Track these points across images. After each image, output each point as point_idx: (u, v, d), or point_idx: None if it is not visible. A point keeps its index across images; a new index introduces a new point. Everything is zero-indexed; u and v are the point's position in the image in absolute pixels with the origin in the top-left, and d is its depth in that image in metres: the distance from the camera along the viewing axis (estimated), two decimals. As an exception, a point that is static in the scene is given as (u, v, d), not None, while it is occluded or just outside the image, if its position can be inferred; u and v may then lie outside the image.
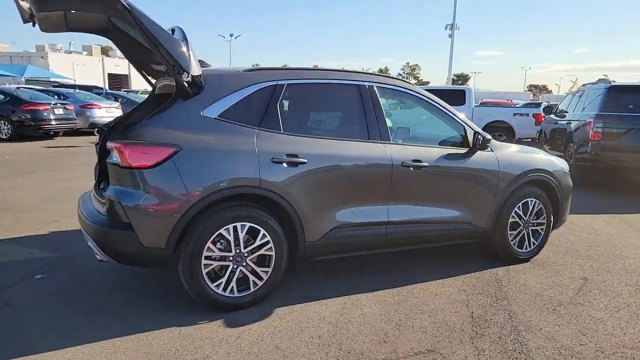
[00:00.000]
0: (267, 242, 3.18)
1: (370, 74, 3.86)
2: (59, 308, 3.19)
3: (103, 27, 3.68)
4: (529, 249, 4.33)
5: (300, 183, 3.23)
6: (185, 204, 2.90)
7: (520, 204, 4.18)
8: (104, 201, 3.13)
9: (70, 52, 55.39)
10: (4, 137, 13.18)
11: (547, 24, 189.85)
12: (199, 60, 3.28)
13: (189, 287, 3.04)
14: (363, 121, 3.56)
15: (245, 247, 3.12)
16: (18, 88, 15.51)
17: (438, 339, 2.91)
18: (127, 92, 26.26)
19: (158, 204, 2.88)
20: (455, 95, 13.49)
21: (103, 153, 3.90)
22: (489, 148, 4.02)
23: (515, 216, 4.18)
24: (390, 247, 3.78)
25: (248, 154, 3.08)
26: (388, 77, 3.90)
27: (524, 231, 4.27)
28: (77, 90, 17.64)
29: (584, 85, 9.72)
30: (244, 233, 3.09)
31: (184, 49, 2.99)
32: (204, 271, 3.02)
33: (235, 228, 3.06)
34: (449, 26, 33.36)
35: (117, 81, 54.42)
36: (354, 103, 3.58)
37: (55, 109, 13.70)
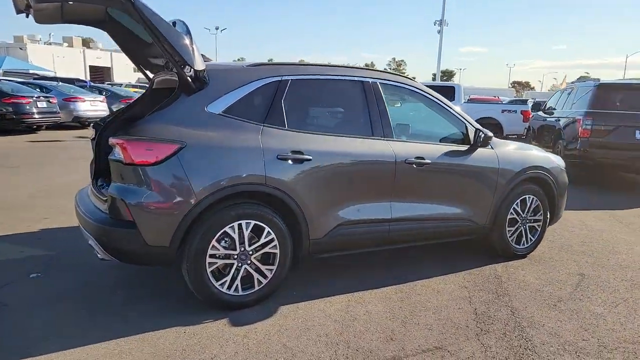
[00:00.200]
0: (272, 240, 3.14)
1: (373, 70, 3.85)
2: (59, 308, 3.11)
3: (99, 18, 3.58)
4: (526, 245, 4.37)
5: (305, 180, 3.20)
6: (191, 201, 2.85)
7: (518, 200, 4.22)
8: (104, 198, 3.06)
9: (50, 44, 54.18)
10: (-15, 131, 12.84)
11: (529, 21, 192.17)
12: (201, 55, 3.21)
13: (193, 286, 3.00)
14: (367, 118, 3.54)
15: (249, 245, 3.08)
16: (-1, 80, 15.12)
17: (444, 336, 2.92)
18: (112, 85, 25.79)
19: (163, 202, 2.82)
20: (444, 92, 13.52)
21: (99, 148, 3.82)
22: (489, 145, 4.04)
23: (513, 213, 4.22)
24: (392, 245, 3.78)
25: (254, 150, 3.04)
26: (392, 73, 3.89)
27: (522, 228, 4.31)
28: (60, 83, 17.22)
29: (572, 82, 9.86)
30: (248, 231, 3.05)
31: (188, 42, 2.92)
32: (209, 270, 2.97)
33: (240, 226, 3.02)
34: (437, 22, 33.45)
35: (99, 74, 53.34)
36: (357, 99, 3.56)
37: (38, 102, 13.36)
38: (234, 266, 3.06)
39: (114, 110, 16.94)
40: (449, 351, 2.75)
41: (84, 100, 15.44)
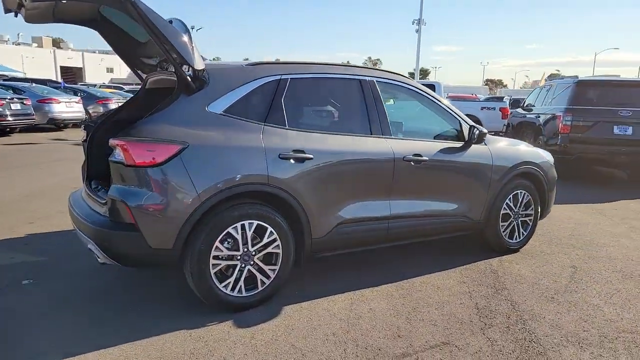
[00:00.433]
0: (274, 240, 3.12)
1: (370, 68, 3.86)
2: (57, 315, 3.01)
3: (91, 18, 3.50)
4: (518, 240, 4.46)
5: (307, 179, 3.18)
6: (194, 202, 2.80)
7: (511, 195, 4.30)
8: (102, 201, 2.99)
9: (19, 44, 52.61)
10: (-45, 134, 12.39)
11: (501, 20, 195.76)
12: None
13: (196, 288, 2.95)
14: (365, 116, 3.55)
15: (252, 246, 3.05)
16: (-31, 82, 14.58)
17: (450, 331, 2.95)
18: (87, 85, 25.17)
19: (166, 203, 2.76)
20: None
21: (92, 150, 3.72)
22: (483, 142, 4.10)
23: (506, 208, 4.29)
24: (391, 242, 3.79)
25: (256, 150, 3.01)
26: (388, 71, 3.90)
27: (514, 222, 4.39)
28: (33, 84, 16.72)
29: (550, 79, 10.09)
30: (251, 231, 3.02)
31: (187, 41, 2.87)
32: (212, 271, 2.93)
33: (243, 226, 2.98)
34: (415, 21, 33.76)
35: (71, 74, 51.93)
36: (356, 98, 3.56)
37: (11, 104, 12.93)
38: (237, 267, 3.02)
39: (90, 111, 16.64)
40: (456, 346, 2.78)
41: (59, 102, 15.02)
